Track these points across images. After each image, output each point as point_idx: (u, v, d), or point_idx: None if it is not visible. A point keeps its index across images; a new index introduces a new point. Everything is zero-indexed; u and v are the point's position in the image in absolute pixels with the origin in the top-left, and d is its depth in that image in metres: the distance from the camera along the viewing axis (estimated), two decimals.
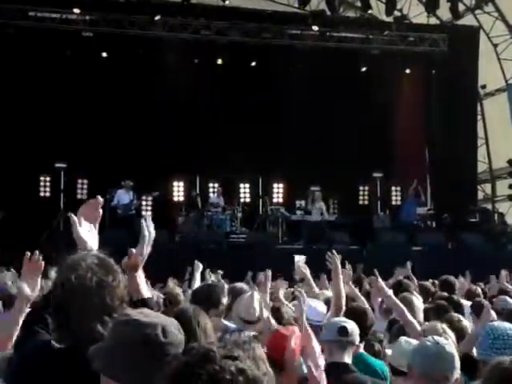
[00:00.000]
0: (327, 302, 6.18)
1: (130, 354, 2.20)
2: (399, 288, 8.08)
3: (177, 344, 2.25)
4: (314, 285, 6.78)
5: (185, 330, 3.77)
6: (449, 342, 3.87)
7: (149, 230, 3.16)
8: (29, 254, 3.73)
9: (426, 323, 5.67)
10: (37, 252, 3.73)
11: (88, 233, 3.03)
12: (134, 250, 3.10)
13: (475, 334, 5.37)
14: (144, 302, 2.95)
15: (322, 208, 19.98)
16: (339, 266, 6.06)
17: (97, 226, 3.11)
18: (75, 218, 3.06)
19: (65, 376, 2.52)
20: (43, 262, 3.75)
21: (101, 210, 3.13)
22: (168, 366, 1.88)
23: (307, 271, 6.62)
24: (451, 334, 5.03)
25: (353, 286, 7.73)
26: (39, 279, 3.71)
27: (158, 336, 2.21)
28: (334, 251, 6.15)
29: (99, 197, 3.14)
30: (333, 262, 6.07)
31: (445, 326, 5.33)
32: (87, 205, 3.13)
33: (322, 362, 3.70)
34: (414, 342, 4.27)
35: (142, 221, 3.21)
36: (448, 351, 3.68)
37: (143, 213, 20.30)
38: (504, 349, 4.23)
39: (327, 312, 5.85)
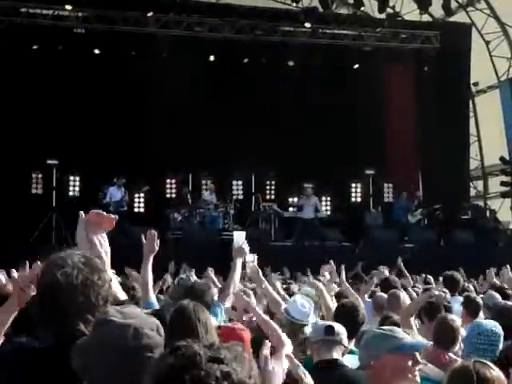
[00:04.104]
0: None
1: (103, 357, 2.15)
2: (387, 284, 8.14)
3: (151, 346, 2.18)
4: (269, 286, 6.35)
5: (185, 326, 3.81)
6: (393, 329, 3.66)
7: None
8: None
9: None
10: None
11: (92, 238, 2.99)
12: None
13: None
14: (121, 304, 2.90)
15: (317, 203, 19.98)
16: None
17: (103, 236, 3.05)
18: (82, 218, 3.03)
19: (46, 375, 2.49)
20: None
21: (114, 224, 3.04)
22: (152, 366, 1.86)
23: (259, 271, 6.37)
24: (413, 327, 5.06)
25: (347, 285, 7.77)
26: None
27: (128, 339, 2.16)
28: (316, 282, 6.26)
29: (117, 216, 3.07)
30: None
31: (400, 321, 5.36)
32: (100, 213, 3.08)
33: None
34: None
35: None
36: (374, 336, 3.56)
37: (135, 210, 20.28)
38: (486, 345, 4.26)
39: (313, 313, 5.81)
